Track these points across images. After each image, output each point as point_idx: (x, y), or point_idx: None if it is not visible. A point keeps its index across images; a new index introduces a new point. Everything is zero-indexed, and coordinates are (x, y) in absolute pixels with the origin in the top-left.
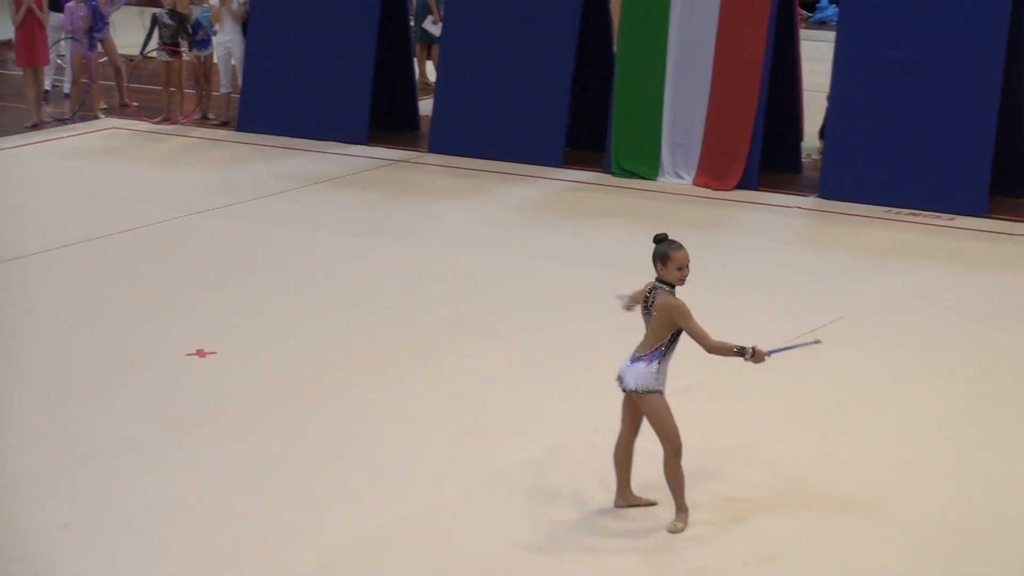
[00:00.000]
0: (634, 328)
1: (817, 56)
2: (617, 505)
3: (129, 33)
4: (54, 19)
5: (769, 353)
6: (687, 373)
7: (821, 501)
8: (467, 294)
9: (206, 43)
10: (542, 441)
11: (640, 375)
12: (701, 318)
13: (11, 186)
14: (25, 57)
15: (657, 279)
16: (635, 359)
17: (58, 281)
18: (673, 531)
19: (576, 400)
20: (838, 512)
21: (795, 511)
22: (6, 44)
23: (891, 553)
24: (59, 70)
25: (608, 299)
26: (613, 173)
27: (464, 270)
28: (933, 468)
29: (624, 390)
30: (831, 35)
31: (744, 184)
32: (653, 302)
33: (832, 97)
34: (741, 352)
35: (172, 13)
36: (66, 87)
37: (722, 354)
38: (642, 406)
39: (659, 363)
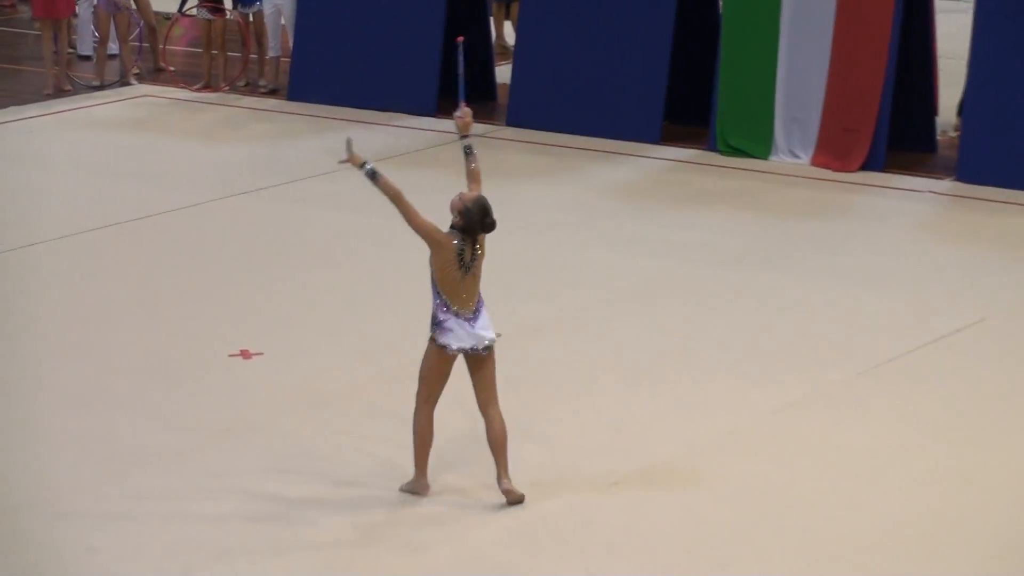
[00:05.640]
0: (746, 333)
1: (955, 19)
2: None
3: None
4: None
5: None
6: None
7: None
8: (546, 291)
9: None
10: (629, 464)
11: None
12: (813, 318)
13: (29, 162)
14: (43, 6)
15: (454, 226)
16: (481, 311)
17: (82, 271)
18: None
19: (673, 416)
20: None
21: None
22: None
23: None
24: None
25: (713, 299)
26: (718, 151)
27: (543, 263)
28: None
29: (489, 346)
30: None
31: (869, 165)
32: (479, 250)
33: (971, 67)
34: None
35: None
36: (87, 48)
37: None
38: (488, 361)
39: None
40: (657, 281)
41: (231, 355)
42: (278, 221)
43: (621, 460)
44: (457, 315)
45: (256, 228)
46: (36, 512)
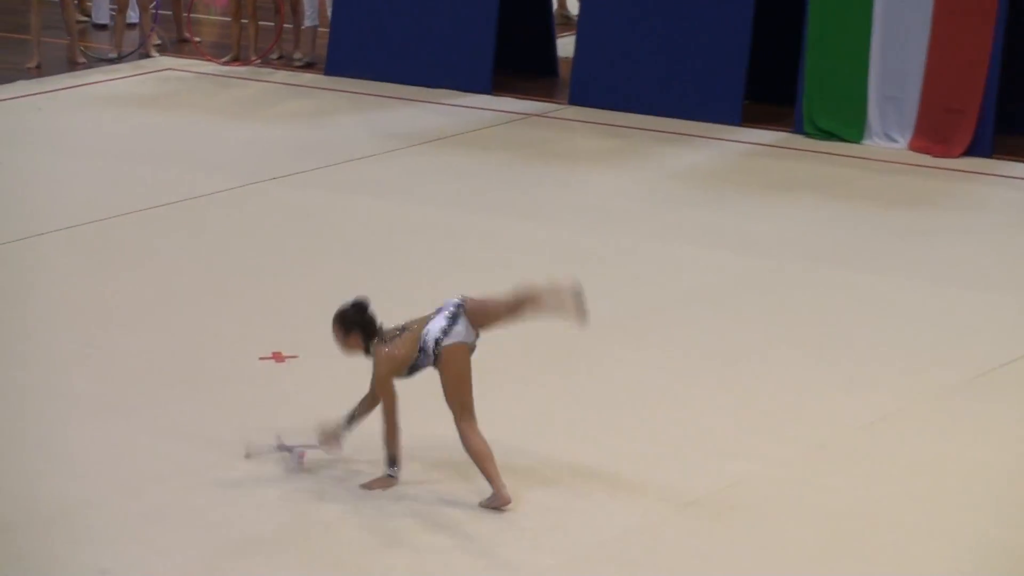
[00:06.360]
0: (835, 335)
1: None
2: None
3: None
4: None
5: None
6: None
7: None
8: (610, 287)
9: None
10: (704, 480)
11: None
12: (910, 320)
13: (38, 143)
14: None
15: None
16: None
17: (97, 264)
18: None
19: (753, 428)
20: None
21: None
22: None
23: None
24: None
25: (799, 298)
26: (806, 134)
27: (606, 256)
28: None
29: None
30: None
31: (974, 150)
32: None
33: None
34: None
35: None
36: (104, 16)
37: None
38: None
39: None
40: (736, 277)
41: (262, 358)
42: (314, 209)
43: (695, 476)
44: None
45: (290, 217)
46: (45, 530)
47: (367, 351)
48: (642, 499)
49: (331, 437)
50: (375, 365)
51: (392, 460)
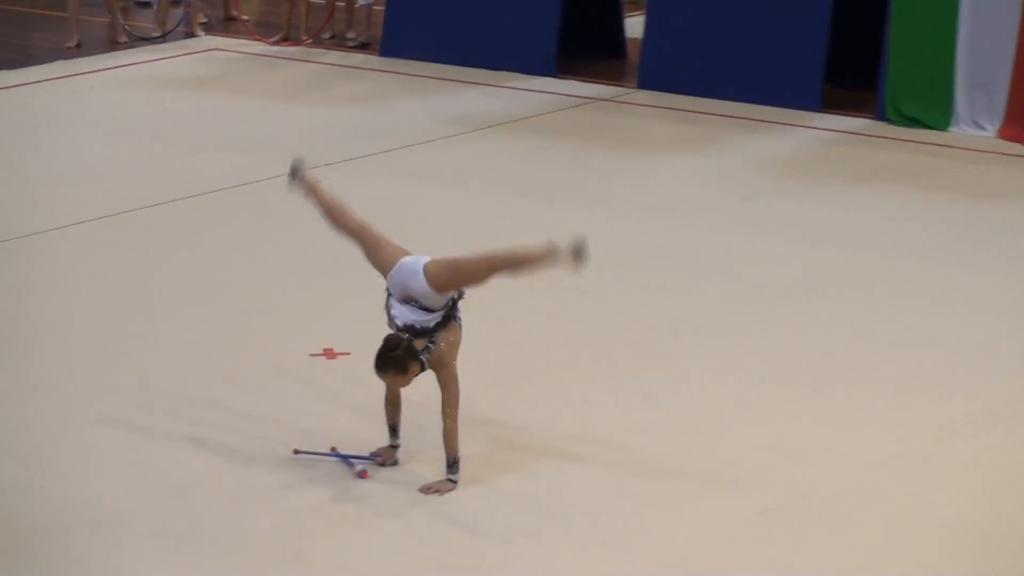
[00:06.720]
0: (924, 334)
1: None
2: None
3: None
4: None
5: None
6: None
7: None
8: (683, 283)
9: None
10: (781, 489)
11: None
12: (1004, 318)
13: (76, 127)
14: None
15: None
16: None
17: (138, 254)
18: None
19: (838, 434)
20: None
21: None
22: None
23: None
24: None
25: (883, 295)
26: (889, 121)
27: (679, 250)
28: None
29: None
30: None
31: None
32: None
33: None
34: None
35: None
36: None
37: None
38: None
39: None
40: (816, 272)
41: (312, 354)
42: (368, 197)
43: (773, 484)
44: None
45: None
46: (85, 535)
47: (423, 367)
48: (719, 505)
49: (386, 452)
50: (444, 362)
51: (454, 462)
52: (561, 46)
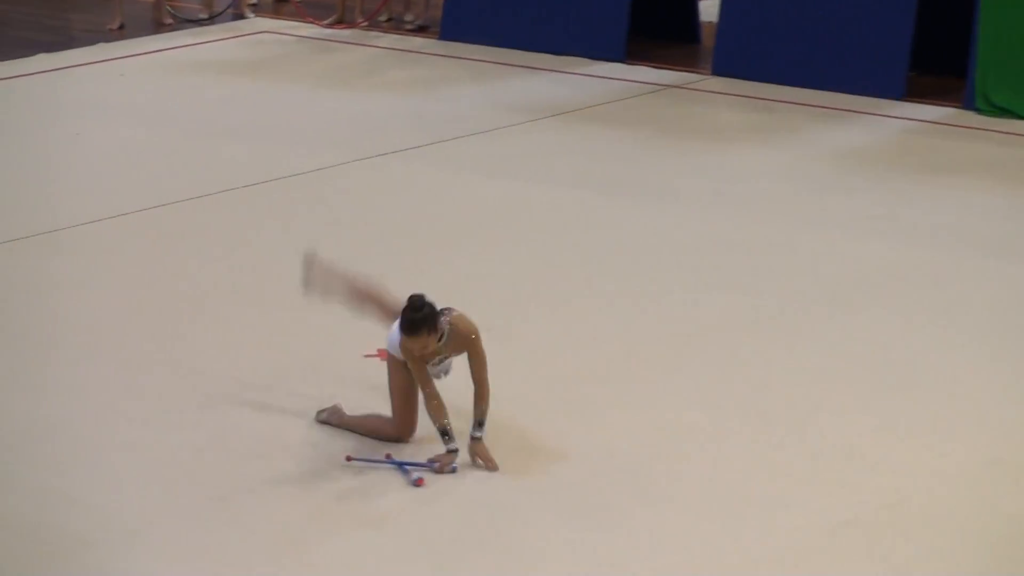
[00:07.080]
0: (1012, 337)
1: None
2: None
3: None
4: None
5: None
6: None
7: None
8: (750, 279)
9: None
10: (863, 498)
11: None
12: None
13: (119, 114)
14: None
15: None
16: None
17: (179, 247)
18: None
19: (919, 440)
20: None
21: None
22: None
23: None
24: None
25: (970, 296)
26: (978, 110)
27: (748, 244)
28: None
29: None
30: None
31: None
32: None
33: None
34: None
35: None
36: None
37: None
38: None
39: None
40: (897, 271)
41: (366, 355)
42: (426, 188)
43: (853, 493)
44: None
45: (398, 197)
46: (125, 546)
47: (441, 336)
48: (793, 517)
49: (443, 458)
50: (475, 338)
51: (481, 423)
52: (631, 30)
